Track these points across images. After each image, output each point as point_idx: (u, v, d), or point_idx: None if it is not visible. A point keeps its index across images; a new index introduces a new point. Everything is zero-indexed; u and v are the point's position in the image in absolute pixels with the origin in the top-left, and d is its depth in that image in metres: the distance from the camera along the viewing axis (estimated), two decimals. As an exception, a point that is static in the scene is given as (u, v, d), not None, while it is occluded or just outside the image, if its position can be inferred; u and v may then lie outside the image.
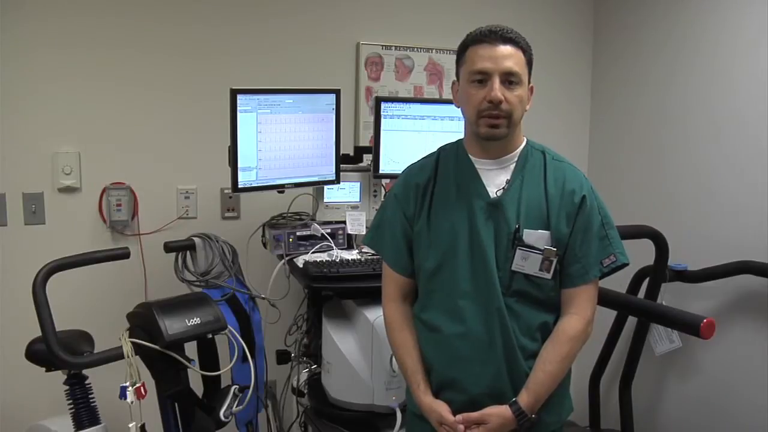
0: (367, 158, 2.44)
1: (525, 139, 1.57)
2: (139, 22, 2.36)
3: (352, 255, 2.18)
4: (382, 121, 2.31)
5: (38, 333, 1.68)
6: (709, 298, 2.52)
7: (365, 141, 2.66)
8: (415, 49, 2.77)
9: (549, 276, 1.48)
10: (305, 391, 2.17)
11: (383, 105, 2.30)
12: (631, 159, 2.90)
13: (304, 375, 2.21)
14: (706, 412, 2.56)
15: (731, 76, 2.44)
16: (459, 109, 1.55)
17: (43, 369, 1.85)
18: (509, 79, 1.45)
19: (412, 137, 2.35)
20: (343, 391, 2.00)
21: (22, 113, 2.26)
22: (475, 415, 1.48)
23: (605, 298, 2.08)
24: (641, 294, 2.59)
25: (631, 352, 2.62)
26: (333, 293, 2.10)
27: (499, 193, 1.51)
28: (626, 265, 1.54)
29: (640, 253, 2.52)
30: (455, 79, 1.56)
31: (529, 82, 1.51)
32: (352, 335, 1.99)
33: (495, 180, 1.53)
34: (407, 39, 2.74)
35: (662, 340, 2.59)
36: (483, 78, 1.45)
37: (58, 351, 1.66)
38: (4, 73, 2.22)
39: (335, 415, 2.03)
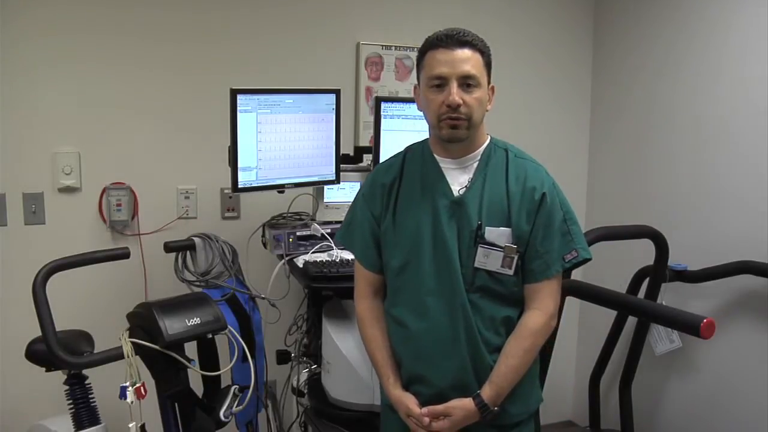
0: (367, 158, 2.44)
1: (489, 138, 1.60)
2: (139, 22, 2.35)
3: (352, 255, 2.17)
4: (382, 121, 2.31)
5: (38, 333, 1.68)
6: (709, 298, 2.52)
7: (365, 141, 2.66)
8: (415, 49, 2.74)
9: (511, 272, 1.52)
10: (305, 391, 2.17)
11: (383, 105, 2.30)
12: (631, 159, 2.90)
13: (304, 375, 2.21)
14: (706, 412, 2.56)
15: (731, 75, 2.44)
16: (421, 112, 1.59)
17: (43, 369, 1.85)
18: (467, 82, 1.47)
19: (412, 137, 2.31)
20: (343, 391, 2.00)
21: (22, 113, 2.25)
22: (439, 408, 1.54)
23: (605, 299, 2.09)
24: (641, 294, 2.59)
25: (631, 352, 2.62)
26: (333, 293, 2.10)
27: (461, 192, 1.55)
28: (588, 260, 1.56)
29: (640, 253, 2.53)
30: (416, 83, 1.59)
31: (489, 83, 1.54)
32: (352, 335, 1.99)
33: (458, 179, 1.57)
34: (407, 39, 2.74)
35: (662, 340, 2.59)
36: (441, 83, 1.48)
37: (58, 351, 1.66)
38: (4, 73, 2.22)
39: (335, 415, 2.03)
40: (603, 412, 2.81)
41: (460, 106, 1.47)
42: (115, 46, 2.33)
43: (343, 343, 1.98)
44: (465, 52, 1.48)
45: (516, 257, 1.51)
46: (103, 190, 2.37)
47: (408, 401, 1.57)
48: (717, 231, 2.50)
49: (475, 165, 1.57)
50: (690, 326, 1.82)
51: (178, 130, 2.45)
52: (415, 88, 1.60)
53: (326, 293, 2.13)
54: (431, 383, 1.57)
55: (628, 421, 2.65)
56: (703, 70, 2.55)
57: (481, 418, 1.53)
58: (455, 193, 1.55)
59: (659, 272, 2.46)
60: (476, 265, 1.52)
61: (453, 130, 1.50)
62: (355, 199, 1.73)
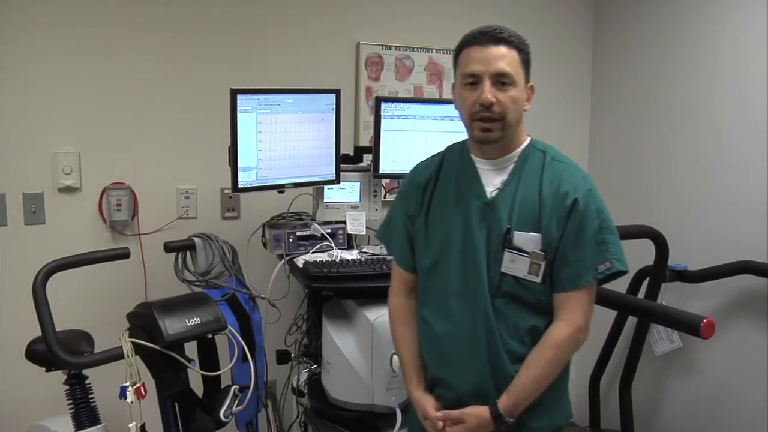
0: (367, 158, 2.44)
1: (528, 139, 1.55)
2: (139, 22, 2.35)
3: (352, 255, 2.18)
4: (382, 121, 2.31)
5: (38, 333, 1.68)
6: (709, 298, 2.52)
7: (365, 141, 2.66)
8: (415, 49, 2.77)
9: (538, 280, 1.46)
10: (305, 391, 2.17)
11: (383, 105, 2.31)
12: (631, 159, 2.90)
13: (304, 375, 2.21)
14: (706, 412, 2.56)
15: (731, 75, 2.44)
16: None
17: (43, 369, 1.85)
18: (501, 80, 1.43)
19: (412, 137, 2.35)
20: (343, 391, 2.00)
21: (22, 113, 2.25)
22: (455, 413, 1.51)
23: (605, 298, 2.09)
24: (641, 294, 2.59)
25: (631, 352, 2.62)
26: (333, 293, 2.10)
27: (494, 194, 1.51)
28: (624, 272, 1.48)
29: (640, 253, 2.53)
30: (454, 81, 1.55)
31: (527, 82, 1.49)
32: (352, 335, 1.99)
33: (493, 181, 1.52)
34: (407, 39, 2.74)
35: (662, 340, 2.59)
36: (474, 80, 1.45)
37: (58, 351, 1.66)
38: (5, 73, 2.22)
39: (335, 415, 2.03)
40: (603, 412, 2.81)
41: (493, 105, 1.43)
42: (116, 47, 2.33)
43: (343, 343, 1.98)
44: (500, 50, 1.43)
45: (543, 264, 1.45)
46: (103, 190, 2.37)
47: (426, 403, 1.55)
48: (717, 231, 2.50)
49: (511, 167, 1.52)
50: (690, 326, 1.82)
51: (178, 130, 2.45)
52: (453, 87, 1.56)
53: (326, 293, 2.13)
54: (451, 387, 1.54)
55: (628, 421, 2.65)
56: (703, 69, 2.55)
57: (495, 428, 1.48)
58: (488, 195, 1.51)
59: (659, 272, 2.46)
60: (503, 269, 1.48)
61: (485, 132, 1.46)
62: (395, 197, 1.72)
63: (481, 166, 1.54)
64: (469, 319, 1.50)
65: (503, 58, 1.43)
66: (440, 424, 1.51)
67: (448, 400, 1.54)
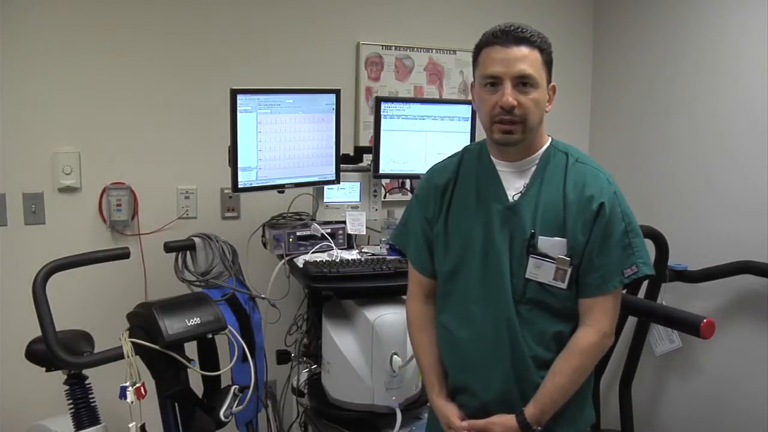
0: (367, 158, 2.44)
1: (549, 140, 1.50)
2: (139, 22, 2.35)
3: (352, 255, 2.18)
4: (382, 121, 2.31)
5: (38, 333, 1.68)
6: (709, 298, 2.52)
7: (365, 141, 2.66)
8: (415, 49, 2.77)
9: (564, 286, 1.41)
10: (305, 391, 2.17)
11: (383, 105, 2.31)
12: (631, 159, 2.89)
13: (304, 375, 2.21)
14: (706, 412, 2.56)
15: (731, 75, 2.44)
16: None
17: (43, 369, 1.85)
18: (522, 82, 1.38)
19: (412, 137, 2.35)
20: (343, 391, 2.00)
21: (22, 113, 2.25)
22: (480, 422, 1.47)
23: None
24: (641, 294, 2.59)
25: (631, 352, 2.62)
26: (333, 293, 2.10)
27: (516, 198, 1.46)
28: (650, 276, 1.44)
29: (640, 253, 2.52)
30: (473, 80, 1.50)
31: (549, 82, 1.45)
32: (352, 335, 1.99)
33: (514, 184, 1.47)
34: (407, 39, 2.74)
35: (662, 340, 2.59)
36: (495, 82, 1.40)
37: (58, 351, 1.66)
38: (4, 73, 2.22)
39: (335, 415, 2.03)
40: (603, 412, 2.81)
41: (514, 108, 1.38)
42: (116, 47, 2.33)
43: (343, 343, 1.98)
44: (521, 50, 1.38)
45: (569, 270, 1.40)
46: (103, 190, 2.37)
47: (449, 412, 1.52)
48: (717, 231, 2.50)
49: (533, 169, 1.47)
50: (690, 326, 1.82)
51: (178, 130, 2.45)
52: (471, 86, 1.52)
53: (326, 293, 2.13)
54: (475, 395, 1.50)
55: (628, 421, 2.65)
56: (703, 69, 2.55)
57: None
58: (510, 199, 1.46)
59: (659, 272, 2.46)
60: (527, 276, 1.43)
61: (506, 134, 1.41)
62: (410, 199, 1.68)
63: (502, 168, 1.49)
64: (492, 326, 1.46)
65: (525, 59, 1.38)
66: None
67: (472, 408, 1.51)
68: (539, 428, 1.43)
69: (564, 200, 1.42)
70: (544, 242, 1.42)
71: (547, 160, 1.47)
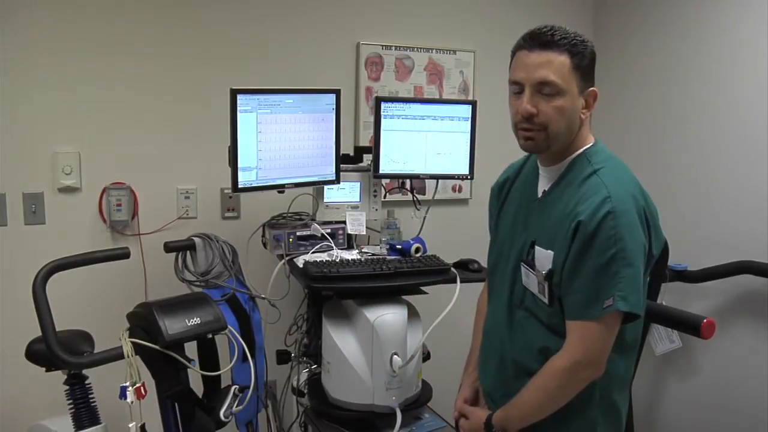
0: (367, 158, 2.44)
1: (587, 146, 1.44)
2: (139, 22, 2.35)
3: (352, 255, 2.18)
4: (382, 121, 2.31)
5: (38, 333, 1.67)
6: (709, 298, 2.52)
7: (365, 141, 2.66)
8: (415, 49, 2.77)
9: (545, 300, 1.39)
10: (305, 391, 2.17)
11: (383, 105, 2.31)
12: (630, 159, 2.85)
13: (304, 375, 2.21)
14: (706, 412, 2.56)
15: (731, 75, 2.44)
16: None
17: (43, 369, 1.85)
18: (544, 89, 1.34)
19: (412, 137, 2.35)
20: (343, 391, 2.00)
21: (22, 113, 2.25)
22: (466, 407, 1.61)
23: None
24: (641, 294, 2.59)
25: (631, 352, 2.62)
26: (333, 293, 2.10)
27: (535, 204, 1.47)
28: (632, 316, 1.33)
29: (640, 253, 2.52)
30: None
31: (585, 87, 1.38)
32: (352, 335, 1.99)
33: (545, 188, 1.47)
34: (407, 39, 2.74)
35: (662, 340, 2.59)
36: (519, 89, 1.38)
37: (58, 351, 1.66)
38: (4, 73, 2.22)
39: (335, 415, 2.03)
40: (603, 412, 2.81)
41: (533, 116, 1.35)
42: (116, 46, 2.33)
43: (343, 343, 1.98)
44: (545, 56, 1.33)
45: (546, 285, 1.37)
46: (103, 190, 2.37)
47: (463, 390, 1.66)
48: (717, 231, 2.50)
49: (557, 176, 1.44)
50: (690, 326, 1.82)
51: (178, 130, 2.45)
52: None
53: (326, 293, 2.13)
54: (483, 381, 1.62)
55: (628, 421, 2.64)
56: (704, 70, 2.55)
57: None
58: (536, 202, 1.48)
59: (659, 272, 2.46)
60: (523, 283, 1.46)
61: (527, 141, 1.39)
62: None
63: (541, 172, 1.49)
64: (492, 324, 1.57)
65: (548, 65, 1.33)
66: (456, 414, 1.62)
67: (484, 392, 1.62)
68: None
69: (566, 212, 1.37)
70: (540, 252, 1.41)
71: (570, 168, 1.43)
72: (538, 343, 1.43)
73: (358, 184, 2.38)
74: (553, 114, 1.35)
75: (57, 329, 1.68)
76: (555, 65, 1.33)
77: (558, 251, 1.36)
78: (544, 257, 1.39)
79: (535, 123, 1.36)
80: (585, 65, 1.37)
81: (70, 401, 1.89)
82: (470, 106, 2.37)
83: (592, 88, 1.40)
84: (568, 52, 1.34)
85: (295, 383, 2.23)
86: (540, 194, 1.47)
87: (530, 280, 1.43)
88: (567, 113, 1.36)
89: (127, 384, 1.67)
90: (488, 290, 1.66)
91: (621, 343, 1.41)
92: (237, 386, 1.95)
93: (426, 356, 2.25)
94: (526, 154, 1.57)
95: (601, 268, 1.30)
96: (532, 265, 1.41)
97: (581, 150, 1.43)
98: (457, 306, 1.93)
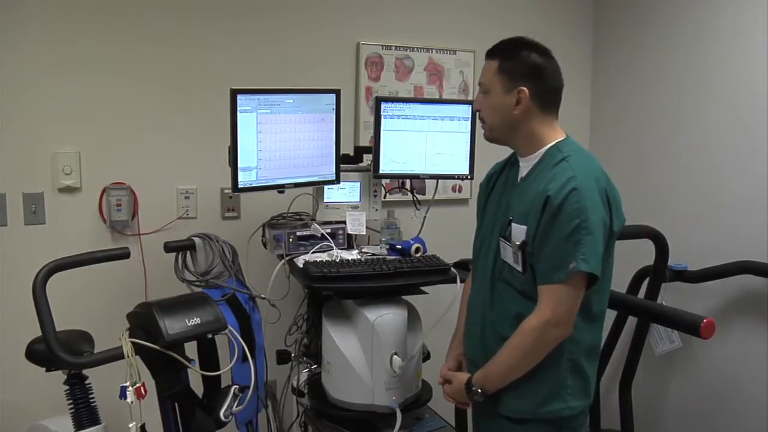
0: (367, 158, 2.44)
1: (558, 140, 1.63)
2: (139, 22, 2.35)
3: (352, 255, 2.18)
4: (382, 121, 2.31)
5: (38, 333, 1.68)
6: (709, 298, 2.52)
7: (365, 141, 2.66)
8: (415, 49, 2.77)
9: (519, 268, 1.58)
10: (305, 391, 2.17)
11: (383, 105, 2.31)
12: (631, 159, 2.90)
13: (304, 375, 2.21)
14: (707, 412, 2.56)
15: (731, 75, 2.44)
16: None
17: (43, 369, 1.85)
18: (481, 89, 1.66)
19: (412, 137, 2.35)
20: (343, 391, 2.00)
21: (22, 113, 2.25)
22: (449, 373, 1.76)
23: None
24: (641, 294, 2.59)
25: (631, 352, 2.62)
26: (333, 293, 2.10)
27: (513, 188, 1.68)
28: (592, 276, 1.50)
29: (640, 253, 2.53)
30: None
31: (512, 86, 1.59)
32: (352, 335, 1.99)
33: (522, 175, 1.67)
34: (407, 39, 2.74)
35: (662, 340, 2.59)
36: None
37: (58, 351, 1.66)
38: (4, 73, 2.22)
39: (335, 415, 2.03)
40: (603, 412, 2.81)
41: (478, 111, 1.68)
42: (115, 46, 2.33)
43: (343, 343, 1.98)
44: (486, 63, 1.65)
45: (519, 254, 1.56)
46: (103, 190, 2.37)
47: (448, 360, 1.82)
48: (717, 231, 2.50)
49: (533, 164, 1.64)
50: (690, 326, 1.82)
51: (178, 130, 2.45)
52: None
53: (326, 293, 2.13)
54: (467, 350, 1.77)
55: (628, 421, 2.65)
56: (704, 69, 2.55)
57: (468, 396, 1.66)
58: (515, 187, 1.67)
59: (659, 272, 2.46)
60: (502, 256, 1.64)
61: (484, 133, 1.70)
62: None
63: (521, 162, 1.69)
64: (480, 293, 1.71)
65: (485, 69, 1.65)
66: (440, 380, 1.78)
67: (468, 361, 1.76)
68: (479, 392, 1.63)
69: (539, 192, 1.56)
70: (515, 228, 1.60)
71: (543, 158, 1.62)
72: (513, 309, 1.61)
73: (358, 184, 2.38)
74: (486, 109, 1.65)
75: (57, 329, 1.68)
76: (487, 68, 1.64)
77: (530, 225, 1.55)
78: (518, 231, 1.58)
79: (480, 117, 1.69)
80: (508, 67, 1.60)
81: (70, 401, 1.89)
82: (470, 106, 2.37)
83: (520, 88, 1.59)
84: (498, 57, 1.62)
85: (295, 383, 2.23)
86: (518, 180, 1.67)
87: (507, 253, 1.62)
88: (497, 108, 1.62)
89: (127, 384, 1.67)
90: (472, 272, 1.82)
91: (588, 312, 1.59)
92: (237, 386, 1.95)
93: (426, 356, 2.25)
94: None
95: (566, 236, 1.49)
96: (508, 239, 1.61)
97: (553, 143, 1.63)
98: (457, 306, 1.93)
